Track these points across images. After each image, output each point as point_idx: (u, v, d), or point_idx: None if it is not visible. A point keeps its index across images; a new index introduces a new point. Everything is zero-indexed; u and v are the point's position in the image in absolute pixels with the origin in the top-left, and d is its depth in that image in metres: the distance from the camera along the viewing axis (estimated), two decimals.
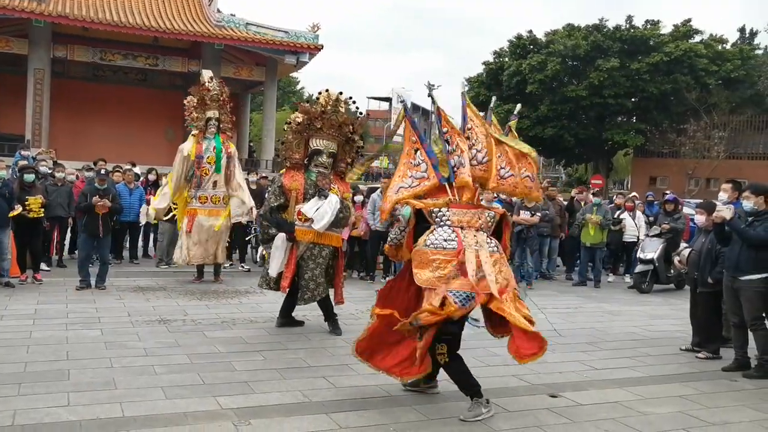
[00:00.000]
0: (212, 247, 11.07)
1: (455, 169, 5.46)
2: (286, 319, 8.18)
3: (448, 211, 5.36)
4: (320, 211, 7.53)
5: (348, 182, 8.26)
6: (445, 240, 5.25)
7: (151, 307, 8.96)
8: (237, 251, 13.54)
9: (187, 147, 11.13)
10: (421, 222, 5.41)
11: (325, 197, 7.59)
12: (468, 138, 5.59)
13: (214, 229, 10.97)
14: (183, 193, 11.22)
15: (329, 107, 7.82)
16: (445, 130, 5.61)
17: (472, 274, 5.12)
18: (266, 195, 8.63)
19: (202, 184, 11.02)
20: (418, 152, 5.60)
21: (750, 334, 7.19)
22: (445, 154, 5.51)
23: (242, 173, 11.97)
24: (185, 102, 11.53)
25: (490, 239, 5.44)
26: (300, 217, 7.65)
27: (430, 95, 5.87)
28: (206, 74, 11.62)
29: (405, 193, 5.50)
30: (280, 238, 7.76)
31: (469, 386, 5.41)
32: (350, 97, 8.03)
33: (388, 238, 5.65)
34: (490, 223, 5.51)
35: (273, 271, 7.83)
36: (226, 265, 12.21)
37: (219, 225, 11.02)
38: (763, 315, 7.13)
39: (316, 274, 7.68)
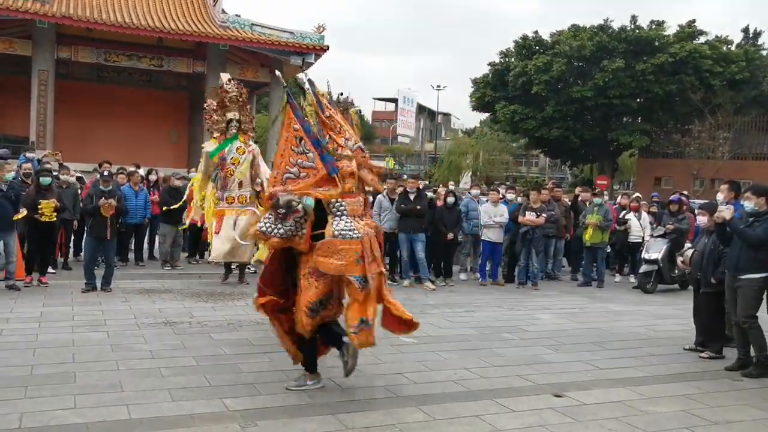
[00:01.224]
0: (236, 246, 10.96)
1: (338, 159, 5.63)
2: None
3: (345, 201, 5.60)
4: None
5: None
6: (350, 230, 5.52)
7: (157, 309, 9.00)
8: None
9: (209, 149, 11.22)
10: (318, 213, 5.56)
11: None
12: (332, 127, 5.74)
13: (239, 228, 10.85)
14: (207, 192, 11.28)
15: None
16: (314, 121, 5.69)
17: (369, 259, 5.51)
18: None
19: (228, 185, 11.09)
20: (303, 141, 5.65)
21: None
22: (326, 144, 5.64)
23: (267, 170, 11.94)
24: (205, 106, 11.68)
25: (371, 224, 5.87)
26: None
27: (304, 86, 5.83)
28: (224, 77, 11.71)
29: (301, 183, 5.60)
30: None
31: (311, 363, 5.90)
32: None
33: (279, 231, 5.48)
34: (365, 208, 5.89)
35: None
36: (251, 269, 12.25)
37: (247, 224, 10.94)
38: (756, 314, 7.17)
39: None
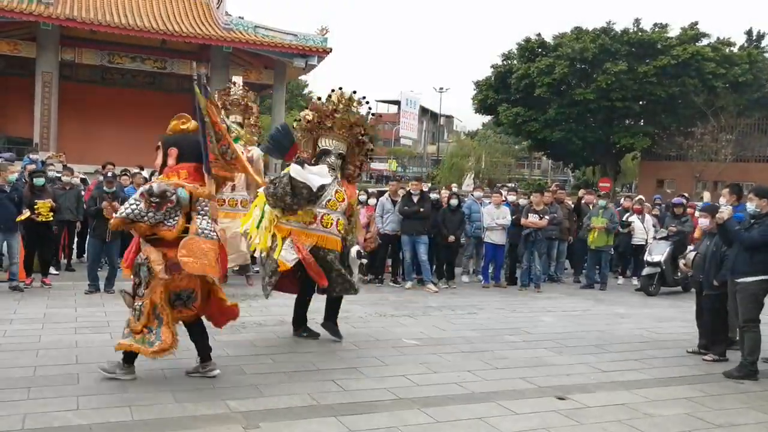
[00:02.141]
0: (229, 250, 10.89)
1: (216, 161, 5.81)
2: (302, 327, 7.95)
3: (209, 202, 5.81)
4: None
5: (355, 186, 8.04)
6: (211, 230, 5.74)
7: None
8: None
9: None
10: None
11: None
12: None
13: (231, 232, 10.86)
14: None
15: (341, 106, 7.54)
16: (207, 120, 5.82)
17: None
18: (272, 182, 7.85)
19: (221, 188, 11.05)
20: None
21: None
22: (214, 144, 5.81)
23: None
24: None
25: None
26: (311, 219, 7.45)
27: (198, 86, 5.90)
28: (238, 80, 11.73)
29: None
30: None
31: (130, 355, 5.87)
32: (363, 97, 7.74)
33: (149, 217, 5.55)
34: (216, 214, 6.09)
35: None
36: (257, 269, 12.22)
37: (236, 228, 10.93)
38: (758, 318, 7.16)
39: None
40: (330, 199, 7.41)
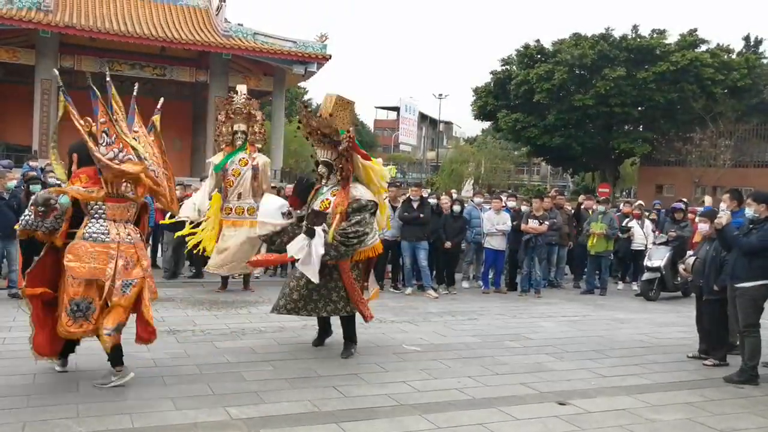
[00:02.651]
0: (232, 258, 11.00)
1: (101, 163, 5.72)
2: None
3: (105, 204, 5.75)
4: (306, 257, 6.90)
5: (350, 193, 7.26)
6: (102, 233, 5.69)
7: (160, 317, 8.97)
8: None
9: (216, 160, 11.35)
10: (76, 212, 5.72)
11: (311, 236, 6.92)
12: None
13: (238, 240, 11.01)
14: (216, 204, 11.35)
15: (311, 122, 7.21)
16: (103, 120, 5.86)
17: (131, 264, 5.74)
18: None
19: (228, 196, 11.18)
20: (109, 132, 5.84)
21: None
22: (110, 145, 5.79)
23: (269, 184, 12.00)
24: (217, 117, 11.79)
25: (135, 230, 5.99)
26: None
27: (60, 91, 6.04)
28: (242, 89, 11.77)
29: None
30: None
31: (115, 357, 5.88)
32: (305, 102, 7.55)
33: (43, 226, 5.57)
34: (133, 214, 6.02)
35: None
36: (257, 275, 12.31)
37: (242, 236, 11.04)
38: (758, 323, 7.17)
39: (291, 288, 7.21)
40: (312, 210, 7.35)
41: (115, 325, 5.71)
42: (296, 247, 6.98)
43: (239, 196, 11.22)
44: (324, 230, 6.98)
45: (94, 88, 5.92)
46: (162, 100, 6.93)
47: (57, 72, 6.40)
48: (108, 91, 6.04)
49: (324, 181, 7.40)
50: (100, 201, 5.74)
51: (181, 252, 12.98)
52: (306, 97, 67.40)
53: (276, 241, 7.55)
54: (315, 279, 6.86)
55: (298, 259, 6.93)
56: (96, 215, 5.74)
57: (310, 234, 6.92)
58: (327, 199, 7.25)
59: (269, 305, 9.92)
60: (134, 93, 6.45)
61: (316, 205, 7.29)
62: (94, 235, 5.66)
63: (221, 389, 5.93)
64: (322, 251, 6.83)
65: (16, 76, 31.69)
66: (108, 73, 6.23)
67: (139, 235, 6.02)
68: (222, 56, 31.05)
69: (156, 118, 6.67)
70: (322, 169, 7.35)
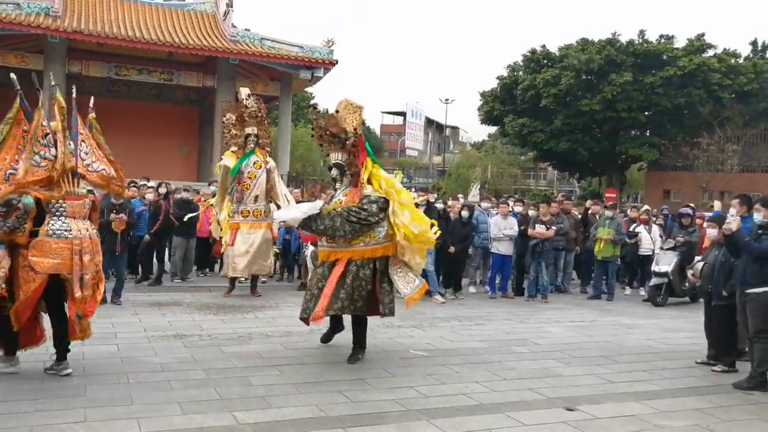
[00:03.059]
0: (252, 259, 11.18)
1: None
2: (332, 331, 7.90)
3: (65, 202, 6.06)
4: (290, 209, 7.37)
5: (361, 190, 7.31)
6: (65, 230, 6.00)
7: (167, 322, 9.01)
8: None
9: (229, 163, 11.41)
10: (40, 211, 6.00)
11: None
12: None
13: (257, 242, 11.23)
14: (227, 207, 11.51)
15: (319, 121, 7.46)
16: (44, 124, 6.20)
17: (87, 257, 6.07)
18: None
19: (244, 199, 11.27)
20: (48, 136, 6.13)
21: None
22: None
23: (283, 185, 12.18)
24: (224, 120, 12.01)
25: (90, 225, 6.35)
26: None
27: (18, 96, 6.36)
28: (244, 92, 11.88)
29: (30, 177, 5.94)
30: None
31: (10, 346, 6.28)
32: (312, 106, 7.73)
33: (5, 226, 5.81)
34: (87, 211, 6.35)
35: None
36: (263, 280, 12.38)
37: (260, 238, 11.29)
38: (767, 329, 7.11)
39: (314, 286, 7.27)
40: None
41: (74, 316, 6.15)
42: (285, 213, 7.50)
43: (256, 198, 11.38)
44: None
45: (23, 97, 6.43)
46: (92, 98, 7.16)
47: (14, 76, 6.53)
48: (53, 94, 6.42)
49: (337, 184, 7.54)
50: (61, 199, 6.04)
51: (191, 256, 13.02)
52: (312, 102, 67.64)
53: (311, 226, 7.27)
54: (288, 219, 7.42)
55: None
56: (57, 213, 6.03)
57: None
58: (339, 200, 7.37)
59: (276, 310, 9.99)
60: (74, 94, 6.73)
61: (332, 205, 7.33)
62: (58, 231, 5.96)
63: (228, 394, 5.93)
64: (306, 210, 7.13)
65: (24, 81, 31.83)
66: (52, 76, 6.62)
67: (95, 230, 6.42)
68: (229, 61, 31.10)
69: (92, 116, 7.03)
70: (334, 171, 7.49)
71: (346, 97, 7.51)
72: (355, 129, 7.33)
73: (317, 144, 7.78)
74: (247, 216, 11.34)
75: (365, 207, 7.12)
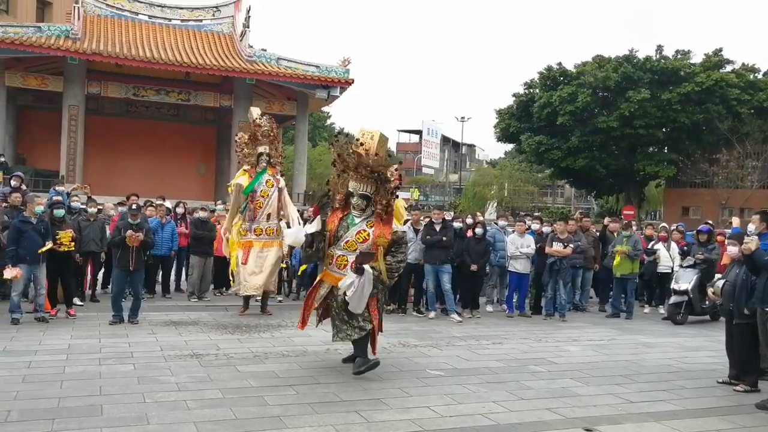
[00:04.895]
0: (264, 279, 11.26)
1: None
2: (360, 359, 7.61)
3: None
4: (355, 294, 7.15)
5: (389, 225, 7.67)
6: None
7: (184, 341, 9.00)
8: None
9: (242, 181, 11.46)
10: None
11: (361, 273, 7.16)
12: None
13: (269, 261, 11.34)
14: (237, 225, 11.56)
15: (362, 158, 7.47)
16: None
17: None
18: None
19: (257, 217, 11.34)
20: None
21: None
22: None
23: (292, 204, 12.25)
24: (236, 138, 12.12)
25: None
26: (330, 260, 7.60)
27: None
28: (255, 111, 11.98)
29: None
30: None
31: None
32: (374, 136, 7.56)
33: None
34: None
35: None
36: (279, 299, 12.44)
37: (273, 257, 11.40)
38: None
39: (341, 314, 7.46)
40: (348, 240, 7.51)
41: None
42: (347, 283, 7.21)
43: (268, 217, 11.45)
44: (372, 267, 7.26)
45: None
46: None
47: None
48: None
49: (357, 212, 7.64)
50: None
51: (208, 275, 13.06)
52: (328, 122, 67.85)
53: (314, 245, 7.61)
54: (359, 311, 7.24)
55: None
56: None
57: (360, 272, 7.14)
58: (365, 231, 7.51)
59: (292, 329, 9.96)
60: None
61: (351, 236, 7.50)
62: None
63: (244, 414, 5.90)
64: (370, 288, 7.20)
65: (44, 103, 32.25)
66: None
67: None
68: (246, 81, 31.36)
69: None
70: (358, 201, 7.60)
71: (376, 130, 7.58)
72: (397, 170, 7.71)
73: (339, 169, 7.73)
74: (260, 234, 11.41)
75: (403, 256, 7.80)
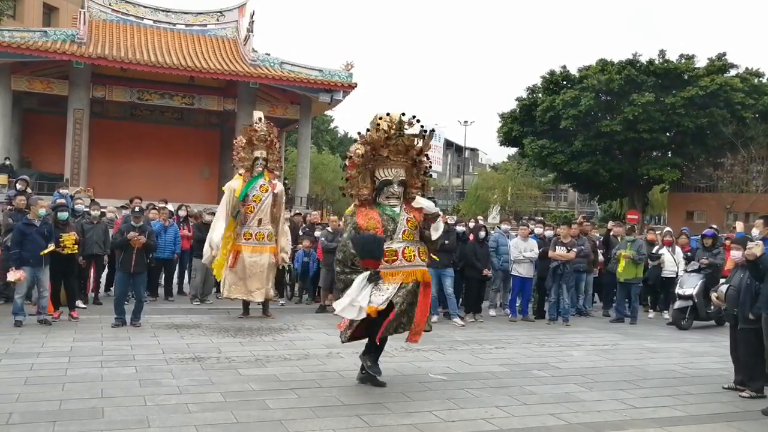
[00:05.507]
0: (254, 284, 11.23)
1: None
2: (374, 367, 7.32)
3: None
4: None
5: (418, 208, 7.32)
6: None
7: (186, 344, 8.99)
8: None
9: (235, 185, 11.40)
10: None
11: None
12: None
13: (258, 266, 11.28)
14: (230, 229, 11.48)
15: (393, 132, 7.07)
16: None
17: None
18: (343, 239, 7.49)
19: (248, 222, 11.33)
20: None
21: None
22: None
23: (288, 234, 12.31)
24: (234, 142, 12.01)
25: None
26: (393, 257, 7.06)
27: None
28: (256, 115, 11.97)
29: None
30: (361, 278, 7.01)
31: None
32: (414, 116, 7.24)
33: None
34: None
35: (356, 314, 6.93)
36: (282, 302, 12.40)
37: (263, 262, 11.34)
38: None
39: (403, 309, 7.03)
40: (405, 230, 7.16)
41: None
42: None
43: (259, 222, 11.41)
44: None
45: None
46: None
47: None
48: None
49: (394, 200, 7.29)
50: None
51: (210, 278, 13.05)
52: (332, 126, 67.85)
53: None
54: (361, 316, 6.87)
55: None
56: None
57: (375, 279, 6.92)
58: (411, 218, 7.24)
59: (294, 332, 9.96)
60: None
61: (404, 225, 7.17)
62: None
63: (245, 417, 5.88)
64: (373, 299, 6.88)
65: (49, 107, 32.34)
66: None
67: None
68: (249, 85, 31.40)
69: None
70: (397, 188, 7.26)
71: (402, 113, 7.24)
72: (427, 155, 7.47)
73: (366, 159, 7.24)
74: (249, 239, 11.37)
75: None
